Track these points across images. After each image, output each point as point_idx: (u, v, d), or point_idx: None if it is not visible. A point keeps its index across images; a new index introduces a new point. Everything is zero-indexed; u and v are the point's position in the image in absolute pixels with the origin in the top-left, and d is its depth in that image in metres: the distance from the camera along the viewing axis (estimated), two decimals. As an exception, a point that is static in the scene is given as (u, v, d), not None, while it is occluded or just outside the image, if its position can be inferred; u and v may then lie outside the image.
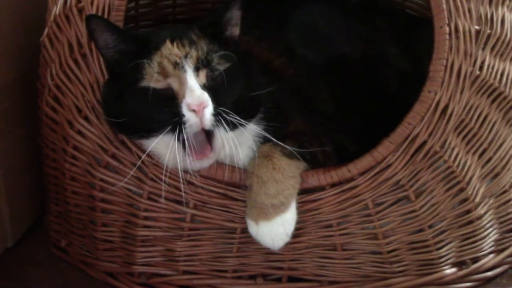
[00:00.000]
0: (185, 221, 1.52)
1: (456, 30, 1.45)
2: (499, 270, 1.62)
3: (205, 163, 1.42)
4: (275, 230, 1.44)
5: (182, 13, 2.05)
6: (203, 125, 1.34)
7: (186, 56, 1.35)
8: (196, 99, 1.33)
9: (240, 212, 1.48)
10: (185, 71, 1.35)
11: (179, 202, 1.50)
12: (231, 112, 1.35)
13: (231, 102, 1.37)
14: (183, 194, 1.46)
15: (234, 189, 1.48)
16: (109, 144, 1.50)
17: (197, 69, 1.35)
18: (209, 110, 1.34)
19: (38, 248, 1.75)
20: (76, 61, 1.52)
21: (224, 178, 1.47)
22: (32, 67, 1.68)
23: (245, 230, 1.48)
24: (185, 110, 1.33)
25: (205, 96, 1.34)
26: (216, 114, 1.34)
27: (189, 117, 1.33)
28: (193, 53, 1.36)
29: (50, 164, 1.67)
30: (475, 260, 1.59)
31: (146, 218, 1.53)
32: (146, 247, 1.56)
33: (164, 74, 1.35)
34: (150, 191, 1.51)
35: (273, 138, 1.43)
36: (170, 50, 1.37)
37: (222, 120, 1.35)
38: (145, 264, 1.57)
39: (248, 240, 1.50)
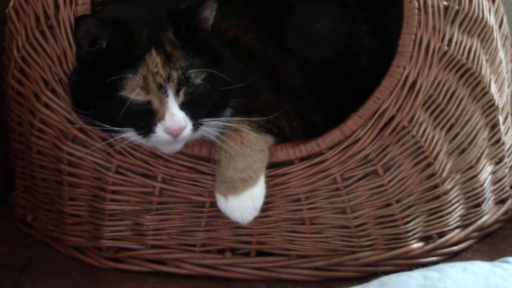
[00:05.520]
0: (154, 195, 1.51)
1: (425, 5, 1.46)
2: (464, 245, 1.64)
3: (172, 149, 1.43)
4: (244, 204, 1.44)
5: (151, -11, 2.03)
6: (177, 140, 1.36)
7: (168, 79, 1.33)
8: (176, 123, 1.33)
9: (209, 186, 1.48)
10: (167, 96, 1.33)
11: (148, 176, 1.50)
12: (207, 119, 1.37)
13: (208, 109, 1.38)
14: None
15: (202, 163, 1.48)
16: (76, 117, 1.48)
17: (177, 91, 1.34)
18: (187, 131, 1.34)
19: (4, 224, 1.74)
20: (43, 33, 1.50)
21: (192, 152, 1.47)
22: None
23: (213, 204, 1.48)
24: (160, 129, 1.33)
25: (185, 120, 1.34)
26: (193, 127, 1.35)
27: (164, 136, 1.34)
28: (174, 74, 1.33)
29: (16, 138, 1.65)
30: (441, 234, 1.61)
31: (114, 192, 1.52)
32: (114, 221, 1.55)
33: (146, 91, 1.33)
34: (118, 165, 1.50)
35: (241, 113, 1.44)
36: (156, 65, 1.33)
37: (198, 128, 1.36)
38: (112, 239, 1.56)
39: (216, 214, 1.50)
